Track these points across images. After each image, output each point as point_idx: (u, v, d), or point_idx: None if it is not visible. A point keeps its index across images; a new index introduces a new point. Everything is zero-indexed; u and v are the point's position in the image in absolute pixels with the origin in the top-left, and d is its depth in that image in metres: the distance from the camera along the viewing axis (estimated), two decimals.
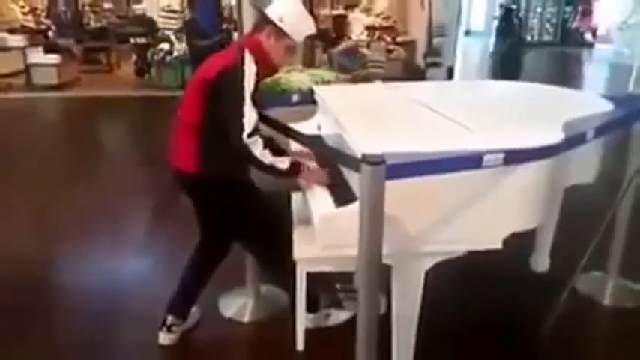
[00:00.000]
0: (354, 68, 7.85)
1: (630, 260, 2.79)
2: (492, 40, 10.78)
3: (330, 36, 7.87)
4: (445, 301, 2.53)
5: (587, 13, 19.51)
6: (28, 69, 9.54)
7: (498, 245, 1.86)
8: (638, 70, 8.25)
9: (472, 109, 2.57)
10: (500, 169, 1.74)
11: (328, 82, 4.32)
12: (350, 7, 10.79)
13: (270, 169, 2.08)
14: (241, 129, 1.98)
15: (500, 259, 2.05)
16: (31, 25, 11.10)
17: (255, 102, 2.04)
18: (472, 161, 1.69)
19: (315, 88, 3.10)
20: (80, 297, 2.82)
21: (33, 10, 11.41)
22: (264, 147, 2.05)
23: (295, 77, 4.19)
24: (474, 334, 2.44)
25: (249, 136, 2.00)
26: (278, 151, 2.31)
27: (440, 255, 1.86)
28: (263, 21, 2.12)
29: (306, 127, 2.68)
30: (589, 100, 2.75)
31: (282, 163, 2.09)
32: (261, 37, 2.11)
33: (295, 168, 2.12)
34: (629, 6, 13.46)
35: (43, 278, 3.03)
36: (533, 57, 17.26)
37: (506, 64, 10.38)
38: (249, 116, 2.00)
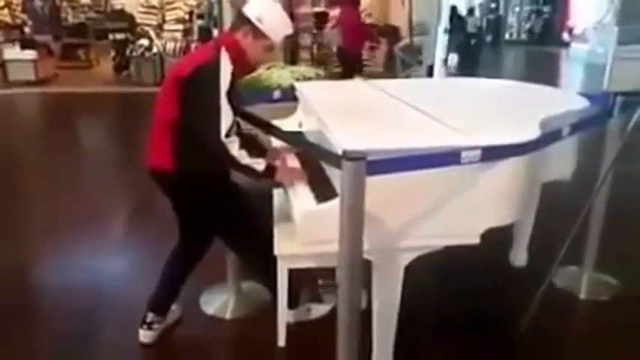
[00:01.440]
0: (412, 64, 8.14)
1: (605, 255, 2.85)
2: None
3: (395, 33, 7.97)
4: (425, 296, 2.57)
5: (549, 13, 19.91)
6: (3, 65, 9.37)
7: (476, 240, 1.88)
8: (611, 68, 8.41)
9: (451, 106, 2.61)
10: (477, 165, 1.77)
11: (309, 79, 4.32)
12: (331, 4, 10.79)
13: (247, 170, 2.07)
14: (218, 128, 1.97)
15: (480, 254, 2.09)
16: (7, 19, 10.88)
17: (231, 101, 2.03)
18: (450, 158, 1.71)
19: (297, 84, 3.10)
20: (59, 297, 2.79)
21: (8, 5, 11.17)
22: (241, 147, 2.04)
23: (276, 74, 4.18)
24: (454, 328, 2.48)
25: (226, 135, 1.99)
26: (260, 149, 2.32)
27: (419, 250, 1.88)
28: (241, 20, 2.11)
29: (287, 124, 2.68)
30: (565, 97, 2.80)
31: (259, 165, 2.08)
32: (239, 36, 2.10)
33: (270, 169, 2.11)
34: (605, 6, 13.72)
35: (21, 279, 2.98)
36: (509, 55, 17.56)
37: (461, 60, 11.04)
38: (226, 116, 2.00)
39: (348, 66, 6.43)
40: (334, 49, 6.72)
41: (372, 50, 7.18)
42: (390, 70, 7.21)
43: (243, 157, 2.04)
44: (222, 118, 1.98)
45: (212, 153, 2.03)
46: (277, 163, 2.24)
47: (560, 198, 2.86)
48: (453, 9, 13.46)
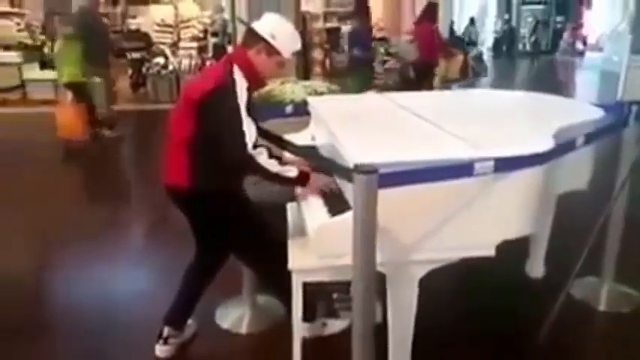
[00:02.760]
0: (480, 72, 9.12)
1: (625, 265, 2.81)
2: None
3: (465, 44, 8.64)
4: (441, 309, 2.55)
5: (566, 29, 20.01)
6: (24, 84, 9.57)
7: (491, 252, 1.87)
8: (625, 77, 8.33)
9: (464, 118, 2.61)
10: (491, 177, 1.76)
11: (321, 93, 4.36)
12: (343, 19, 10.89)
13: (278, 178, 2.11)
14: (244, 142, 2.02)
15: (496, 266, 2.07)
16: (27, 41, 11.13)
17: (250, 114, 2.07)
18: (463, 169, 1.71)
19: (309, 99, 3.13)
20: (75, 311, 2.82)
21: (28, 27, 11.44)
22: (270, 156, 2.09)
23: (289, 89, 4.22)
24: (471, 341, 2.45)
25: (254, 147, 2.05)
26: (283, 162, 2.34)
27: (433, 263, 1.87)
28: (253, 38, 2.15)
29: (300, 138, 2.70)
30: (579, 108, 2.78)
31: (291, 172, 2.12)
32: (252, 53, 2.14)
33: (304, 175, 2.15)
34: (619, 14, 13.64)
35: (37, 293, 3.02)
36: (522, 65, 17.51)
37: None
38: (249, 129, 2.04)
39: (422, 77, 7.21)
40: (408, 61, 7.47)
41: (448, 60, 7.68)
42: (464, 78, 7.73)
43: (273, 165, 2.08)
44: (246, 131, 2.03)
45: (241, 166, 2.09)
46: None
47: (577, 208, 2.83)
48: (451, 22, 13.90)
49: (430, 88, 7.09)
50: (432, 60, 7.36)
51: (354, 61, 6.94)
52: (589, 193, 2.58)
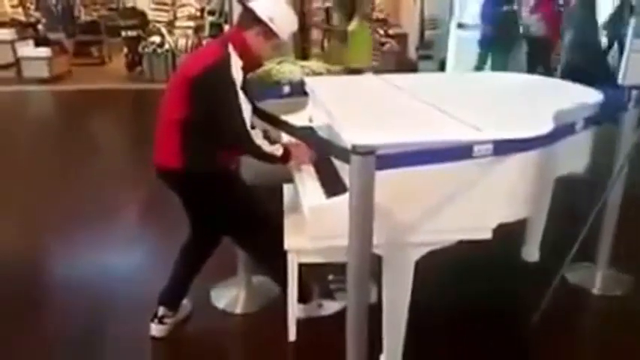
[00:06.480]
0: None
1: (619, 251, 2.81)
2: None
3: None
4: (436, 291, 2.55)
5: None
6: (18, 62, 9.47)
7: (488, 235, 1.87)
8: (626, 61, 8.29)
9: (462, 100, 2.58)
10: (490, 159, 1.75)
11: (319, 74, 4.32)
12: None
13: (270, 157, 2.14)
14: (244, 121, 2.03)
15: (492, 250, 2.07)
16: (21, 18, 10.98)
17: (246, 94, 2.07)
18: (462, 151, 1.70)
19: (307, 79, 3.09)
20: (71, 291, 2.81)
21: (22, 3, 11.28)
22: (264, 137, 2.12)
23: (286, 69, 4.18)
24: (466, 324, 2.46)
25: (251, 127, 2.06)
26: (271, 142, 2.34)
27: (429, 245, 1.86)
28: (252, 19, 2.11)
29: (297, 119, 2.67)
30: (579, 91, 2.76)
31: (277, 150, 2.16)
32: (249, 34, 2.11)
33: (287, 152, 2.19)
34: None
35: (33, 273, 3.01)
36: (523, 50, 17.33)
37: None
38: (246, 109, 2.05)
39: (539, 53, 7.64)
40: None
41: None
42: None
43: (266, 145, 2.11)
44: (244, 111, 2.03)
45: (240, 144, 2.10)
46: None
47: (574, 193, 2.83)
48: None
49: (548, 65, 7.41)
50: (555, 38, 7.65)
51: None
52: (586, 177, 2.57)
